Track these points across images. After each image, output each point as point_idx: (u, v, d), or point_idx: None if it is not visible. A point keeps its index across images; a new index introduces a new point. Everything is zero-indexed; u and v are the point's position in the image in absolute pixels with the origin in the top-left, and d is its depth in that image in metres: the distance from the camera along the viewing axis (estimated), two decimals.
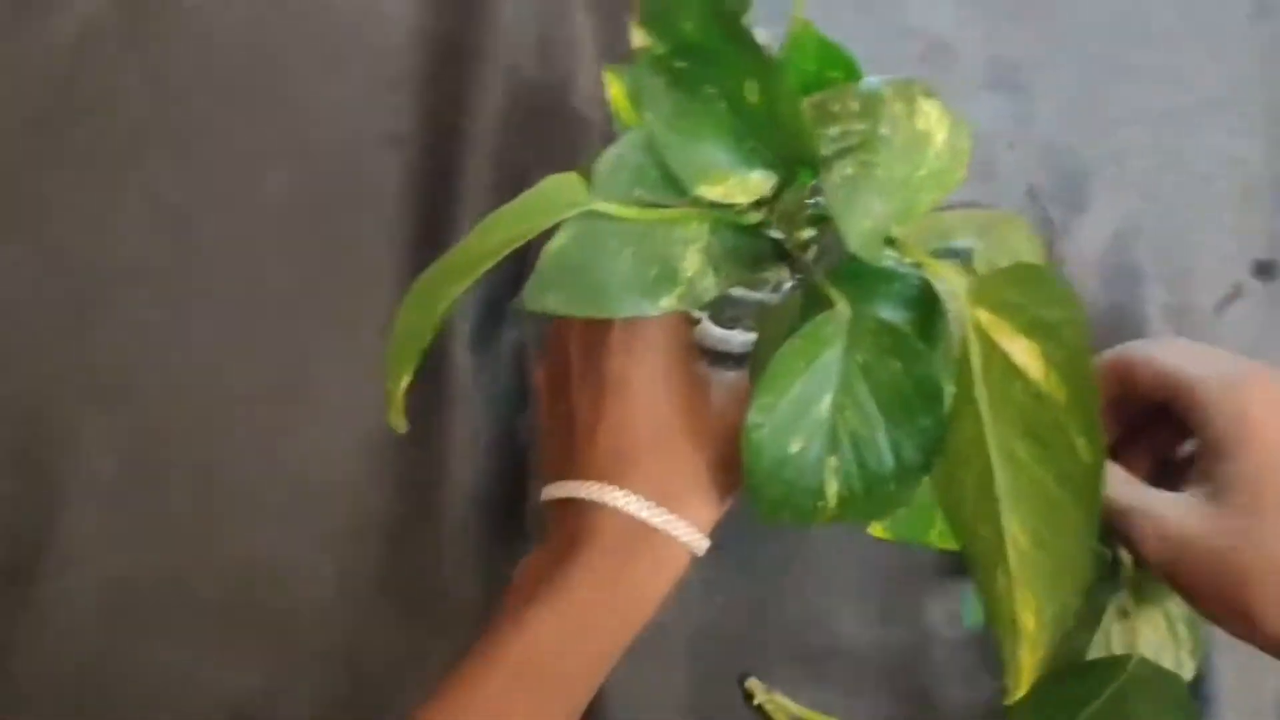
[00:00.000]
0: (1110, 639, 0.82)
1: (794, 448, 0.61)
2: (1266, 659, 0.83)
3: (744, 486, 0.64)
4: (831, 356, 0.61)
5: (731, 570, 0.85)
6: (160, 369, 0.88)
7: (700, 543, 0.68)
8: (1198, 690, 0.83)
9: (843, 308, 0.61)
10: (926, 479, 0.61)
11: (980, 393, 0.57)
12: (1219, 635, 0.82)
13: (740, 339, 0.81)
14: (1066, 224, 0.91)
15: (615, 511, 0.67)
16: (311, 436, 0.88)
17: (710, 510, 0.68)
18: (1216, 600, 0.64)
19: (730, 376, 0.72)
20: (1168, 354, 0.69)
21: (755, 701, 0.83)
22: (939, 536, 0.68)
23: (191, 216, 0.91)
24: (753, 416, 0.61)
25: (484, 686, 0.65)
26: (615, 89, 0.73)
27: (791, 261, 0.67)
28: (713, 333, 0.82)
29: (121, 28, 0.94)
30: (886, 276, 0.63)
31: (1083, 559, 0.55)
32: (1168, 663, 0.80)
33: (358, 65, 0.94)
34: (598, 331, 0.69)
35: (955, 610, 0.85)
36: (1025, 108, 0.95)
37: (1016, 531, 0.56)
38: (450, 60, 0.94)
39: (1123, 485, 0.67)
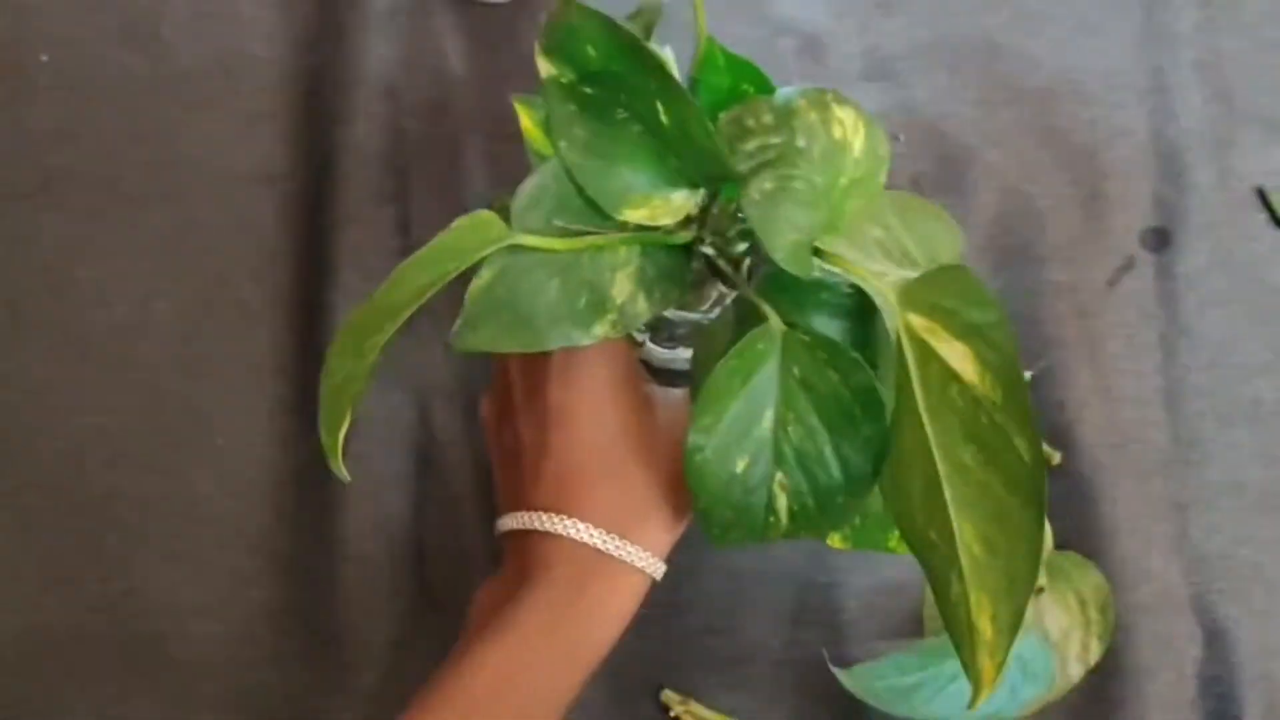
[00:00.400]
0: None
1: (739, 467, 0.61)
2: (1185, 630, 0.84)
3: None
4: (768, 372, 0.60)
5: None
6: (46, 422, 0.87)
7: (656, 567, 0.67)
8: (1117, 662, 0.83)
9: (775, 322, 0.60)
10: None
11: (919, 398, 0.56)
12: (1139, 607, 0.84)
13: (685, 356, 0.80)
14: (953, 209, 0.90)
15: (566, 541, 0.66)
16: (208, 477, 0.86)
17: (664, 532, 0.68)
18: None
19: (678, 394, 0.70)
20: None
21: (672, 713, 0.82)
22: (897, 543, 0.67)
23: (70, 265, 0.89)
24: (693, 439, 0.60)
25: None
26: (526, 120, 0.72)
27: (725, 278, 0.67)
28: (657, 353, 0.81)
29: None
30: (817, 287, 0.63)
31: (1034, 561, 0.55)
32: (1074, 645, 0.81)
33: (227, 105, 0.93)
34: (537, 362, 0.68)
35: (870, 605, 0.85)
36: (904, 97, 0.96)
37: (968, 537, 0.56)
38: (319, 95, 0.93)
39: None
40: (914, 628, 0.84)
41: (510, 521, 0.68)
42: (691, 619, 0.84)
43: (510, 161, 0.91)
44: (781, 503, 0.62)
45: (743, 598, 0.85)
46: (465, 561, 0.84)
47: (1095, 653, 0.82)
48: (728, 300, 0.70)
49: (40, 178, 0.91)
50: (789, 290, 0.62)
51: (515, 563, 0.68)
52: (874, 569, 0.85)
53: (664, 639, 0.84)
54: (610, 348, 0.67)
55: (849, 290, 0.63)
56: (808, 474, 0.61)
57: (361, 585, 0.84)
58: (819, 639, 0.84)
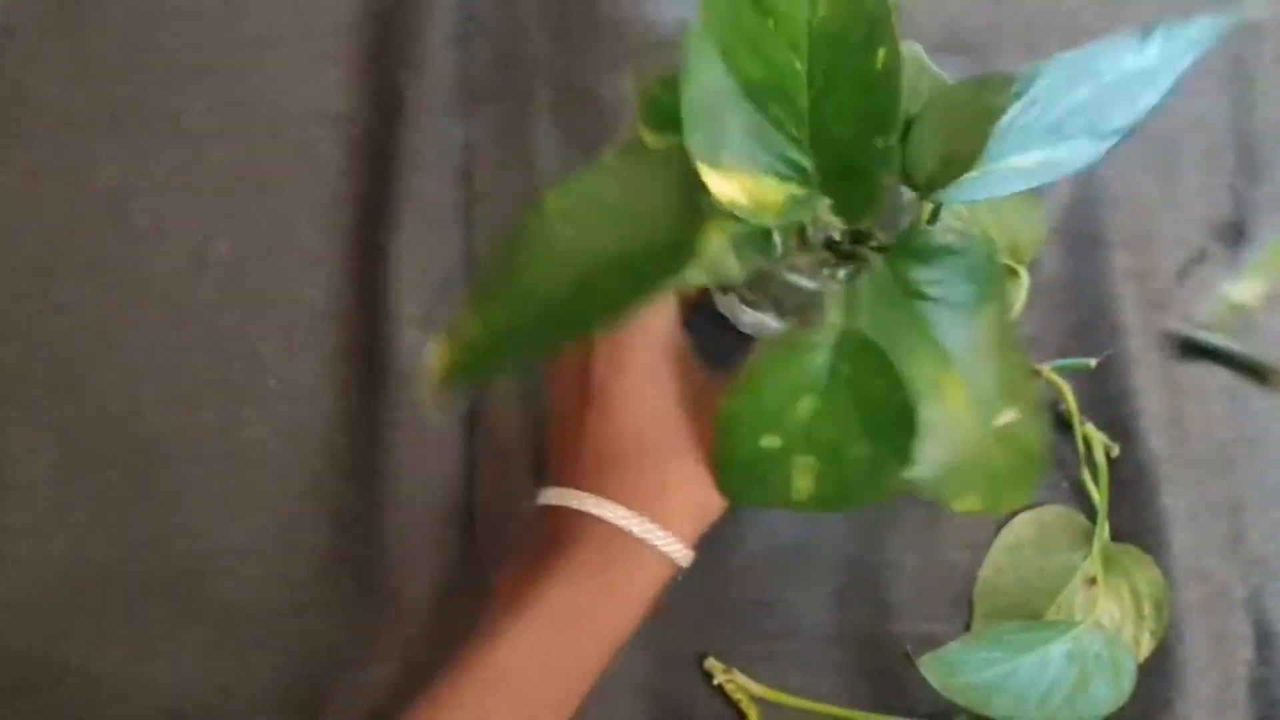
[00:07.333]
0: (1072, 604, 0.82)
1: (766, 443, 0.62)
2: (1238, 632, 0.83)
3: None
4: (818, 364, 0.61)
5: None
6: (103, 358, 0.87)
7: (682, 554, 0.68)
8: (1166, 660, 0.82)
9: (836, 319, 0.61)
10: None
11: None
12: (1192, 605, 0.82)
13: (775, 326, 0.78)
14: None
15: (594, 520, 0.67)
16: (260, 420, 0.87)
17: (695, 520, 0.69)
18: None
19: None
20: None
21: (715, 681, 0.82)
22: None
23: (129, 200, 0.90)
24: (731, 404, 0.62)
25: (456, 704, 0.65)
26: None
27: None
28: (743, 318, 0.79)
29: (47, 13, 0.92)
30: (946, 251, 0.63)
31: None
32: (1125, 639, 0.80)
33: (294, 44, 0.92)
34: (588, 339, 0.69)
35: (919, 586, 0.85)
36: (981, 72, 0.93)
37: None
38: (388, 39, 0.92)
39: None
40: (963, 611, 0.84)
41: (544, 496, 0.70)
42: (737, 589, 0.84)
43: (577, 115, 0.91)
44: (802, 483, 0.63)
45: (790, 571, 0.85)
46: (512, 519, 0.84)
47: (1145, 648, 0.81)
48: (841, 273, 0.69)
49: (102, 108, 0.91)
50: (919, 254, 0.62)
51: (544, 539, 0.69)
52: (926, 549, 0.85)
53: (708, 607, 0.84)
54: (659, 329, 0.68)
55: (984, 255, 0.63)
56: (834, 464, 0.62)
57: (407, 537, 0.85)
58: (866, 617, 0.84)
